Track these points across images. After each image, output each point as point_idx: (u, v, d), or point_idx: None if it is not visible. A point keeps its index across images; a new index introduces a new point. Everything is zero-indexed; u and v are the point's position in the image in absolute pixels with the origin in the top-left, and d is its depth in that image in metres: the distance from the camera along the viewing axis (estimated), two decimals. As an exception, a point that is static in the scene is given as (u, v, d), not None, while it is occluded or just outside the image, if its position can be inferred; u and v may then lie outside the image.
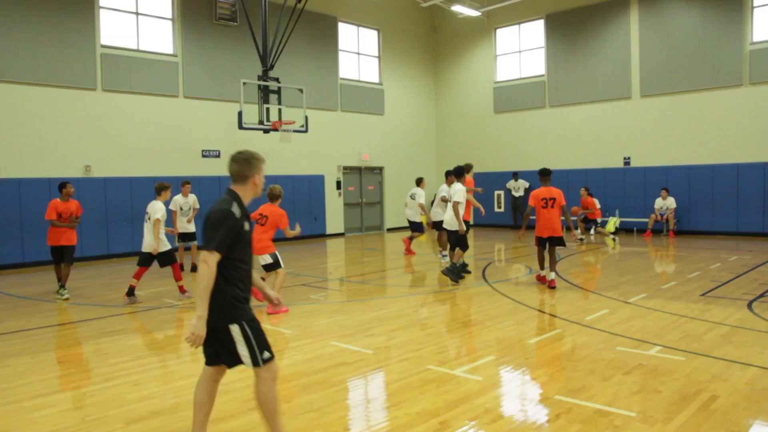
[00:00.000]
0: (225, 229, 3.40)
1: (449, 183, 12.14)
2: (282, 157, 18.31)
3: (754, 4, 16.60)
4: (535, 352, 5.95)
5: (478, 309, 8.10)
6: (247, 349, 3.49)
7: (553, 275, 9.45)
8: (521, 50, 21.34)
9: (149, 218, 9.14)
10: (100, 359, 6.12)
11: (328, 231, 19.90)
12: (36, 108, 13.87)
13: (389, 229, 22.08)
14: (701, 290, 9.05)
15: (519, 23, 21.32)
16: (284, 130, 15.52)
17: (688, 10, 17.51)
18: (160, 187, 9.27)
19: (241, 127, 14.91)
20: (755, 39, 16.56)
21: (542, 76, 20.68)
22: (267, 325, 7.47)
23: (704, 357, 5.67)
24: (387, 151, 21.87)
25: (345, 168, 20.60)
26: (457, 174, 10.35)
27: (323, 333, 7.01)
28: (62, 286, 9.61)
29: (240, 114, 14.82)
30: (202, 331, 3.39)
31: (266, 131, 15.68)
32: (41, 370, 5.75)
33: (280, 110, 15.84)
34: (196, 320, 3.36)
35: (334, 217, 20.19)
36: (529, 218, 9.87)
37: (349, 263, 13.92)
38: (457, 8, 20.57)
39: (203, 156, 16.68)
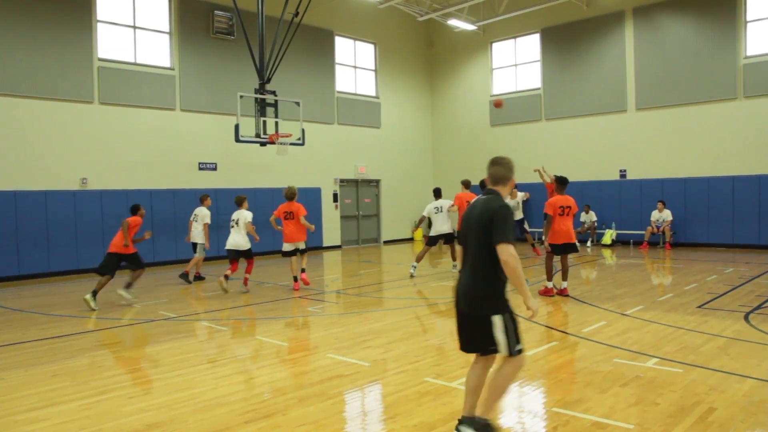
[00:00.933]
0: (511, 223, 3.81)
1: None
2: (279, 169, 18.33)
3: (748, 19, 16.78)
4: (532, 365, 5.93)
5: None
6: (505, 337, 3.86)
7: (566, 284, 9.69)
8: (517, 64, 21.48)
9: (236, 223, 11.39)
10: (95, 372, 6.08)
11: (325, 243, 19.88)
12: (33, 120, 13.89)
13: (386, 242, 22.07)
14: (698, 302, 9.05)
15: (515, 37, 21.48)
16: (281, 143, 15.54)
17: (683, 25, 17.68)
18: (241, 199, 11.66)
19: (237, 140, 14.94)
20: (749, 53, 16.71)
21: (538, 89, 20.80)
22: (264, 338, 7.44)
23: (701, 369, 5.66)
24: (384, 164, 21.92)
25: (342, 180, 20.63)
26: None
27: (320, 345, 6.98)
28: (129, 285, 10.20)
29: (237, 127, 14.85)
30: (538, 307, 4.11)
31: (263, 144, 15.71)
32: (36, 383, 5.71)
33: (277, 123, 15.87)
34: (532, 301, 3.98)
35: (331, 230, 20.19)
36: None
37: (346, 275, 13.89)
38: (453, 22, 20.73)
39: (200, 168, 16.69)
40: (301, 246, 11.12)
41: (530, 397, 5.08)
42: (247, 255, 11.43)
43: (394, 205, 22.20)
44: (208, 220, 12.76)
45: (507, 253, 3.70)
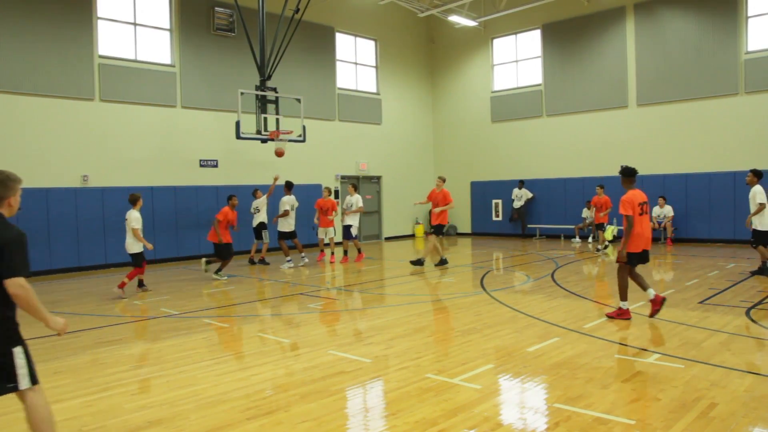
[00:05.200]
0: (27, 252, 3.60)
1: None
2: (280, 166, 18.34)
3: (749, 14, 16.73)
4: (533, 361, 5.94)
5: (477, 317, 8.10)
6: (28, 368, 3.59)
7: (653, 291, 7.75)
8: (518, 60, 21.45)
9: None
10: (98, 369, 6.09)
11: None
12: (34, 118, 13.89)
13: (387, 238, 22.07)
14: (699, 298, 9.05)
15: (516, 33, 21.44)
16: (282, 140, 15.54)
17: (684, 20, 17.64)
18: (134, 198, 10.77)
19: (238, 136, 14.94)
20: (750, 48, 16.66)
21: (539, 85, 20.77)
22: (266, 335, 7.46)
23: (703, 364, 5.67)
24: (385, 160, 21.92)
25: (343, 177, 20.63)
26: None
27: (321, 342, 6.99)
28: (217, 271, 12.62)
29: (238, 124, 14.85)
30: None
31: (264, 141, 15.71)
32: (38, 381, 5.72)
33: (277, 120, 15.87)
34: (54, 320, 3.65)
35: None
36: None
37: (347, 272, 13.92)
38: (454, 18, 20.68)
39: (201, 165, 16.69)
40: (331, 233, 15.23)
41: (531, 393, 5.08)
42: (134, 261, 10.63)
43: (396, 201, 22.20)
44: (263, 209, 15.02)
45: (20, 285, 3.45)
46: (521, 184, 20.80)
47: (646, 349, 6.22)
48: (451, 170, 22.99)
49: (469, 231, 22.88)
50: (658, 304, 7.66)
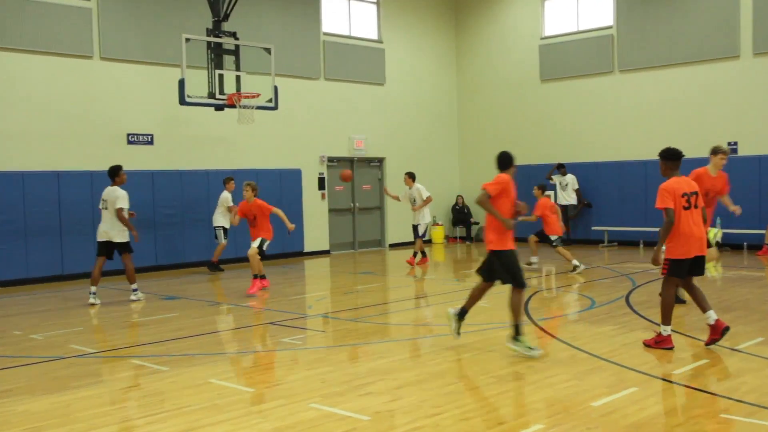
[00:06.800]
0: None
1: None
2: (242, 143, 18.29)
3: None
4: (601, 420, 5.90)
5: (519, 357, 8.03)
6: None
7: (714, 315, 8.10)
8: (579, -7, 21.48)
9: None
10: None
11: (307, 248, 19.87)
12: None
13: (392, 245, 22.03)
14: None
15: (576, -45, 21.46)
16: (244, 106, 15.51)
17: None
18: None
19: (183, 101, 14.90)
20: None
21: (609, 28, 20.72)
22: (221, 381, 7.42)
23: None
24: (389, 135, 21.89)
25: (330, 159, 20.60)
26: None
27: (301, 391, 6.95)
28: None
29: (182, 83, 14.80)
30: None
31: (219, 108, 15.66)
32: None
33: (238, 78, 15.82)
34: None
35: (316, 229, 20.17)
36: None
37: (337, 293, 13.86)
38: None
39: (129, 142, 16.68)
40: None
41: (600, 465, 5.04)
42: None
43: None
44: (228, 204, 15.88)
45: None
46: (562, 168, 20.69)
47: (766, 407, 6.16)
48: (482, 149, 22.89)
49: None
50: (717, 333, 8.02)
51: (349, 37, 21.13)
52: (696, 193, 8.21)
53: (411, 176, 16.90)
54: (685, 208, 8.01)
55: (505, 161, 8.77)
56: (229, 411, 6.40)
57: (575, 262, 15.11)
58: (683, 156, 8.44)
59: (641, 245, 19.80)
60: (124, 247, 12.39)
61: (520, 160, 23.94)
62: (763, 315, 10.27)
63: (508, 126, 22.60)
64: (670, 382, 6.94)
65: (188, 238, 17.06)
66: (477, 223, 22.94)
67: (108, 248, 12.37)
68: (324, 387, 7.09)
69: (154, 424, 6.10)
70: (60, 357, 8.75)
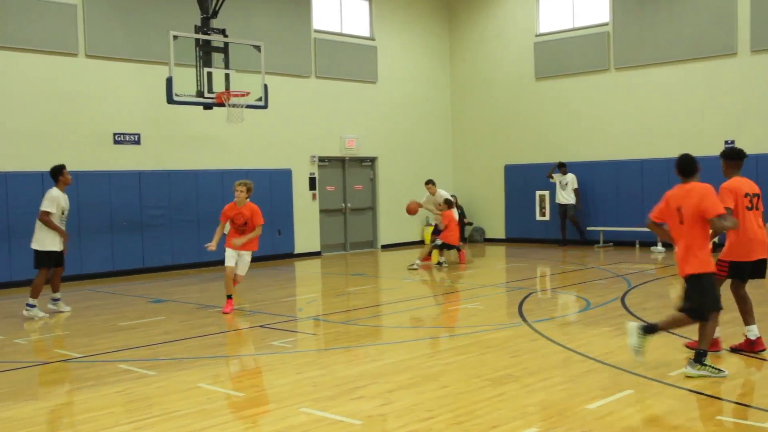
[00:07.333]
0: None
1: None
2: (231, 143, 18.27)
3: None
4: (596, 423, 5.91)
5: (514, 360, 8.06)
6: None
7: (756, 328, 7.98)
8: (574, -11, 21.53)
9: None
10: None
11: (298, 249, 19.85)
12: None
13: (385, 246, 22.04)
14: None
15: (570, -50, 21.50)
16: (233, 105, 15.49)
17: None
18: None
19: (171, 100, 14.85)
20: None
21: (605, 25, 20.75)
22: (210, 386, 7.42)
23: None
24: (382, 134, 21.89)
25: (322, 159, 20.60)
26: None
27: (291, 396, 6.95)
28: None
29: (169, 81, 14.76)
30: None
31: (208, 107, 15.63)
32: None
33: (227, 76, 15.77)
34: None
35: (306, 229, 20.15)
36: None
37: (328, 295, 13.86)
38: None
39: (116, 142, 16.64)
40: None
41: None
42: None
43: (397, 193, 22.14)
44: None
45: None
46: (563, 167, 20.73)
47: (765, 409, 6.18)
48: (476, 148, 22.98)
49: (502, 236, 22.89)
50: (752, 348, 7.88)
51: (341, 34, 21.13)
52: (758, 195, 8.04)
53: (433, 183, 17.46)
54: (748, 209, 7.85)
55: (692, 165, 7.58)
56: (218, 416, 6.40)
57: (418, 262, 16.45)
58: (746, 156, 8.31)
59: (637, 245, 19.85)
60: (37, 258, 11.52)
61: (514, 160, 24.16)
62: (762, 316, 10.27)
63: (503, 125, 22.62)
64: (666, 384, 6.96)
65: (177, 239, 17.02)
66: (471, 224, 22.98)
67: (51, 256, 11.58)
68: (315, 391, 7.09)
69: (142, 429, 6.09)
70: (45, 362, 8.74)
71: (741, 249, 7.81)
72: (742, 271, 7.85)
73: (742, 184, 7.95)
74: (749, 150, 17.91)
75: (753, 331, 7.85)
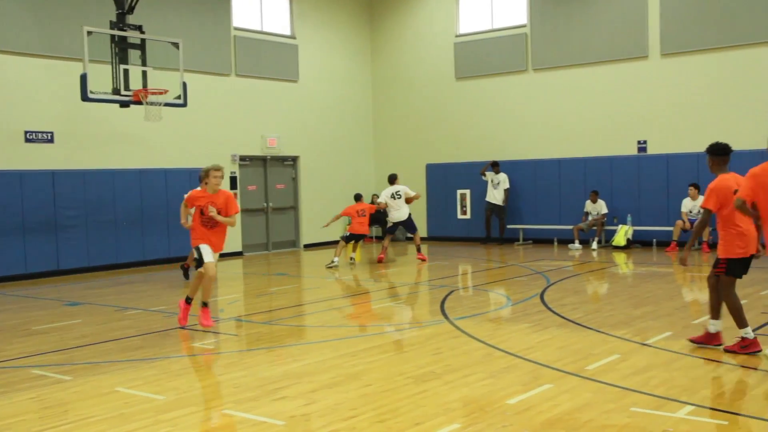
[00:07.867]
0: None
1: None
2: (149, 142, 17.98)
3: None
4: (516, 418, 6.00)
5: (436, 357, 8.13)
6: None
7: (719, 326, 7.99)
8: (493, -10, 21.79)
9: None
10: None
11: (218, 250, 19.64)
12: None
13: (307, 246, 21.98)
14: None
15: (489, -48, 21.75)
16: (151, 103, 15.28)
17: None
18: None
19: (85, 97, 14.58)
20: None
21: (523, 26, 21.09)
22: (128, 389, 7.29)
23: (755, 420, 5.86)
24: (303, 133, 21.84)
25: (242, 158, 20.44)
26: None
27: (212, 398, 6.91)
28: None
29: (83, 78, 14.48)
30: None
31: (124, 104, 15.40)
32: None
33: (145, 74, 15.58)
34: None
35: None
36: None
37: (250, 296, 13.76)
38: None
39: (27, 140, 16.21)
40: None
41: (515, 462, 5.13)
42: None
43: (319, 193, 22.13)
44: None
45: None
46: (496, 166, 21.01)
47: (676, 400, 6.37)
48: (398, 147, 23.10)
49: (424, 234, 23.03)
50: (718, 340, 7.93)
51: (262, 32, 21.00)
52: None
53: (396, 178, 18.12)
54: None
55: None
56: (137, 420, 6.29)
57: (336, 260, 16.64)
58: (732, 151, 8.20)
59: (555, 243, 20.25)
60: None
61: (435, 159, 24.27)
62: (671, 310, 10.62)
63: (424, 124, 22.81)
64: (583, 377, 7.11)
65: (93, 240, 16.64)
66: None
67: None
68: (237, 392, 7.03)
69: (57, 435, 5.95)
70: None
71: (740, 246, 7.70)
72: (740, 267, 7.75)
73: (729, 181, 7.90)
74: (659, 150, 18.81)
75: (716, 325, 7.91)
